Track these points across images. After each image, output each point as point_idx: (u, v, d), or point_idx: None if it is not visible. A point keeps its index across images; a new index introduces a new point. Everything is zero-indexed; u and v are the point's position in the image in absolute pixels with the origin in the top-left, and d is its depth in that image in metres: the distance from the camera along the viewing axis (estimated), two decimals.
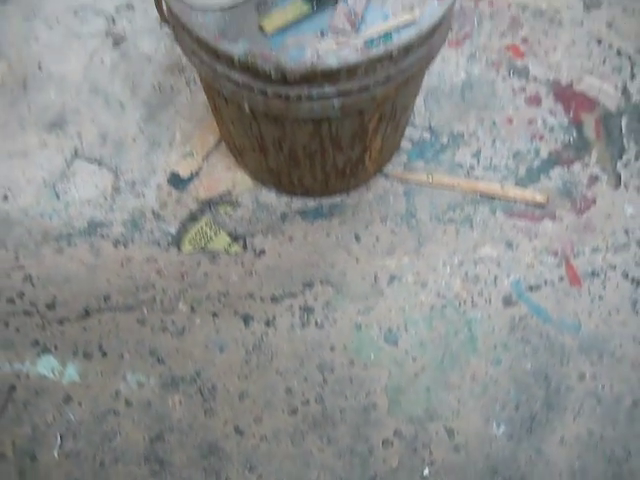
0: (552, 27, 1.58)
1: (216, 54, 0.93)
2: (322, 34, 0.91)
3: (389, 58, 0.92)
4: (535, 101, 1.50)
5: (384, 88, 0.98)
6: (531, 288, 1.34)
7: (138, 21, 1.58)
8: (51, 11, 1.61)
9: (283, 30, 0.91)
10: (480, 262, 1.35)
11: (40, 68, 1.55)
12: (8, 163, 1.47)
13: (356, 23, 0.92)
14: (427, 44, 0.97)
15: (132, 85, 1.51)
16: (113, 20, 1.59)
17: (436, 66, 1.50)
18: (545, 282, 1.34)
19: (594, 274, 1.35)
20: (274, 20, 0.90)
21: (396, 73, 0.96)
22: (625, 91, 1.52)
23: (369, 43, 0.91)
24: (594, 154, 1.45)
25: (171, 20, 1.00)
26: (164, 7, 1.01)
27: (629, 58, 1.55)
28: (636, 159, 1.45)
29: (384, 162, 1.37)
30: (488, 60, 1.53)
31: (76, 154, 1.46)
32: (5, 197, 1.43)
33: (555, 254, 1.36)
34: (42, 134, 1.49)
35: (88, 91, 1.52)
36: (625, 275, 1.35)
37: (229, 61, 0.92)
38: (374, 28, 0.92)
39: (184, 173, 1.42)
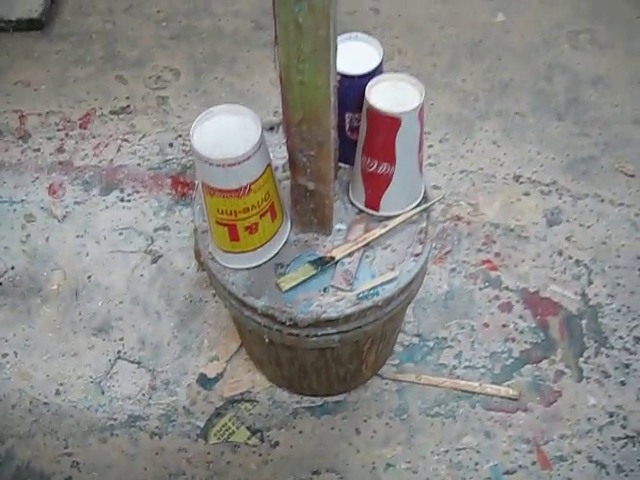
0: (520, 242, 1.88)
1: (243, 304, 1.22)
2: (325, 290, 1.20)
3: (376, 307, 1.20)
4: (507, 308, 1.78)
5: (373, 325, 1.26)
6: (507, 472, 1.56)
7: (173, 241, 1.90)
8: (100, 230, 1.94)
9: (295, 288, 1.20)
10: (462, 450, 1.59)
11: (89, 279, 1.86)
12: (61, 362, 1.74)
13: (350, 281, 1.21)
14: (407, 292, 1.26)
15: (167, 297, 1.81)
16: (152, 240, 1.91)
17: None
18: (519, 466, 1.57)
19: (562, 459, 1.58)
20: (288, 280, 1.20)
21: (382, 315, 1.24)
22: (584, 295, 1.80)
23: (360, 297, 1.20)
24: (559, 352, 1.71)
25: (207, 271, 1.30)
26: (202, 259, 1.31)
27: (586, 266, 1.85)
28: (595, 355, 1.71)
29: (379, 367, 1.64)
30: (467, 273, 1.83)
31: (119, 355, 1.74)
32: (57, 392, 1.69)
33: (527, 441, 1.60)
34: (90, 337, 1.77)
35: (130, 301, 1.81)
36: (589, 459, 1.58)
37: (253, 310, 1.21)
38: (364, 285, 1.21)
39: (211, 374, 1.69)
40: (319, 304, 1.18)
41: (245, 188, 1.05)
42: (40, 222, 1.97)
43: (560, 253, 1.87)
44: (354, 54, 1.15)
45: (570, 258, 1.86)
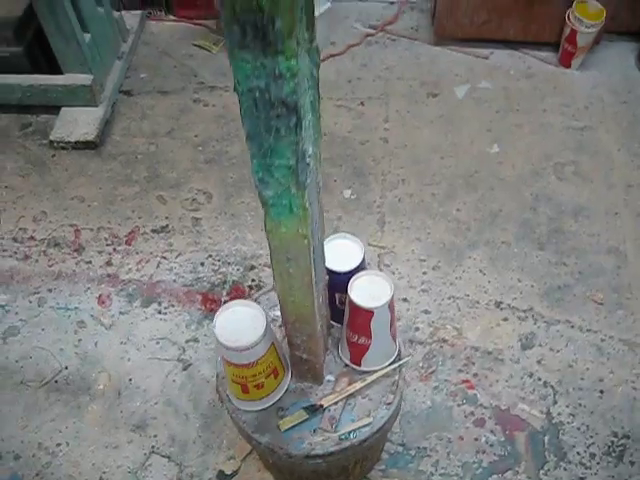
0: (496, 364, 2.21)
1: (251, 438, 1.57)
2: (314, 431, 1.55)
3: (355, 445, 1.55)
4: (481, 423, 2.10)
5: (354, 456, 1.60)
6: None
7: (201, 352, 2.26)
8: (140, 338, 2.30)
9: (291, 429, 1.55)
10: None
11: (130, 381, 2.22)
12: (104, 453, 2.10)
13: (335, 425, 1.55)
14: (380, 432, 1.60)
15: (195, 400, 2.16)
16: (183, 350, 2.27)
17: (409, 395, 2.13)
18: None
19: None
20: (286, 422, 1.54)
21: (361, 450, 1.58)
22: (548, 414, 2.12)
23: (342, 437, 1.54)
24: (523, 464, 2.03)
25: (225, 404, 1.66)
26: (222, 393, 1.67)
27: (552, 388, 2.17)
28: (554, 469, 2.02)
29: (367, 472, 1.98)
30: (448, 391, 2.16)
31: (152, 450, 2.09)
32: (101, 479, 2.05)
33: None
34: (129, 433, 2.13)
35: (163, 402, 2.17)
36: None
37: (258, 443, 1.56)
38: (346, 428, 1.55)
39: (228, 471, 2.03)
40: (309, 442, 1.52)
41: (253, 363, 1.40)
42: (90, 328, 2.34)
43: (530, 375, 2.19)
44: (341, 251, 1.51)
45: (539, 380, 2.18)
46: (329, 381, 1.60)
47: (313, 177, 1.04)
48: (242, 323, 1.40)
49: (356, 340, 1.52)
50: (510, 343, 2.26)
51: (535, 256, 2.48)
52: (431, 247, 2.50)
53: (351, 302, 1.44)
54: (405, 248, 2.49)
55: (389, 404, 1.57)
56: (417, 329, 2.28)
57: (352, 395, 1.58)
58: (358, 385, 1.58)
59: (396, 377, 1.62)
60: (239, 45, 0.77)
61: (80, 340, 2.32)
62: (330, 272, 1.47)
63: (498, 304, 2.35)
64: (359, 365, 1.60)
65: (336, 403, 1.57)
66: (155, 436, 2.10)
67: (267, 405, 1.56)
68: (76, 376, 2.24)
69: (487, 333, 2.28)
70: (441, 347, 2.24)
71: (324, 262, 1.37)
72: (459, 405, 2.12)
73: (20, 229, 2.62)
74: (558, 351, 2.23)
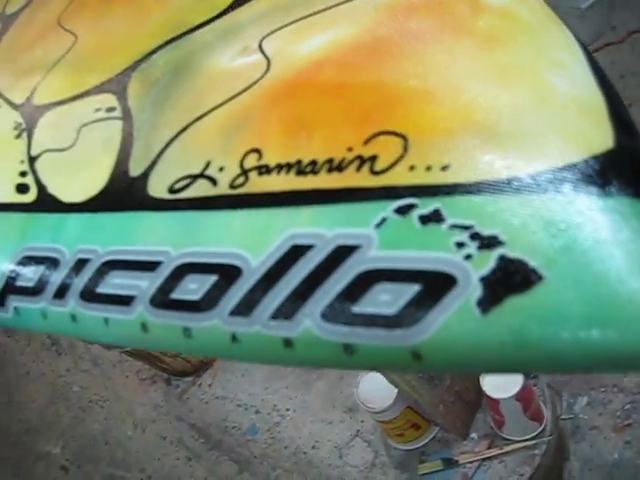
0: None
1: (394, 471, 1.81)
2: None
3: None
4: None
5: None
6: None
7: None
8: None
9: (427, 474, 1.76)
10: None
11: None
12: (320, 425, 2.48)
13: None
14: None
15: None
16: None
17: (598, 442, 2.17)
18: None
19: None
20: (424, 468, 1.75)
21: None
22: None
23: None
24: None
25: None
26: None
27: None
28: None
29: None
30: (639, 449, 2.16)
31: (357, 433, 2.42)
32: (312, 446, 2.44)
33: None
34: (342, 413, 2.47)
35: None
36: None
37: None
38: None
39: None
40: None
41: (388, 421, 1.63)
42: None
43: None
44: None
45: None
46: (472, 439, 1.76)
47: None
48: (382, 385, 1.62)
49: (492, 415, 1.66)
50: None
51: None
52: None
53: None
54: None
55: (521, 475, 1.70)
56: (625, 375, 2.26)
57: (489, 458, 1.73)
58: (495, 451, 1.72)
59: (536, 451, 1.72)
60: None
61: None
62: None
63: None
64: (501, 432, 1.73)
65: (472, 462, 1.73)
66: (362, 421, 2.42)
67: (410, 448, 1.78)
68: None
69: None
70: None
71: None
72: None
73: None
74: None
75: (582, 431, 2.07)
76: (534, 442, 1.71)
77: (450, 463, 1.72)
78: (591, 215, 0.37)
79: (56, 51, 0.81)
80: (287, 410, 2.51)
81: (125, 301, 0.53)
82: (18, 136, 0.73)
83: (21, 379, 3.35)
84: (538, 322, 0.36)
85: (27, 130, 0.73)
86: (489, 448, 1.73)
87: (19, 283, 0.63)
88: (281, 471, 2.42)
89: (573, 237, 0.37)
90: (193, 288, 0.49)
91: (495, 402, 1.57)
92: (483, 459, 1.72)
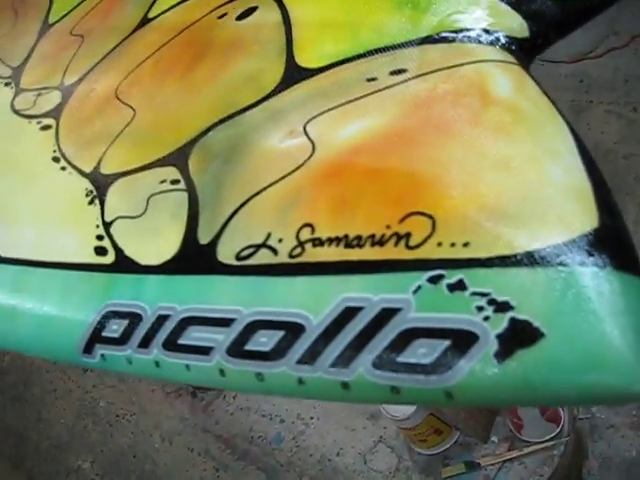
0: None
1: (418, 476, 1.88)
2: None
3: None
4: None
5: None
6: None
7: None
8: None
9: (450, 477, 1.82)
10: None
11: None
12: (344, 432, 2.54)
13: None
14: None
15: None
16: None
17: (615, 441, 2.22)
18: None
19: None
20: (447, 471, 1.82)
21: None
22: None
23: None
24: None
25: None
26: None
27: None
28: None
29: None
30: None
31: (380, 439, 2.48)
32: (337, 453, 2.50)
33: None
34: (365, 420, 2.53)
35: None
36: None
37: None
38: None
39: None
40: None
41: (411, 428, 1.70)
42: None
43: None
44: None
45: None
46: (493, 442, 1.83)
47: None
48: None
49: (511, 418, 1.72)
50: None
51: None
52: None
53: None
54: None
55: (541, 476, 1.76)
56: None
57: (509, 460, 1.79)
58: (515, 453, 1.78)
59: (554, 452, 1.78)
60: None
61: None
62: None
63: None
64: (520, 435, 1.79)
65: (493, 464, 1.79)
66: (385, 428, 2.47)
67: (433, 453, 1.84)
68: None
69: None
70: None
71: None
72: None
73: None
74: None
75: (599, 430, 2.12)
76: (552, 443, 1.77)
77: (472, 466, 1.79)
78: (580, 283, 0.47)
79: (117, 123, 0.90)
80: (311, 418, 2.58)
81: (204, 351, 0.62)
82: (91, 202, 0.81)
83: (49, 396, 3.43)
84: (541, 370, 0.46)
85: (98, 197, 0.81)
86: (509, 450, 1.79)
87: (105, 334, 0.71)
88: (307, 478, 2.48)
89: (567, 301, 0.47)
90: (264, 341, 0.58)
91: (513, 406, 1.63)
92: (504, 461, 1.79)
